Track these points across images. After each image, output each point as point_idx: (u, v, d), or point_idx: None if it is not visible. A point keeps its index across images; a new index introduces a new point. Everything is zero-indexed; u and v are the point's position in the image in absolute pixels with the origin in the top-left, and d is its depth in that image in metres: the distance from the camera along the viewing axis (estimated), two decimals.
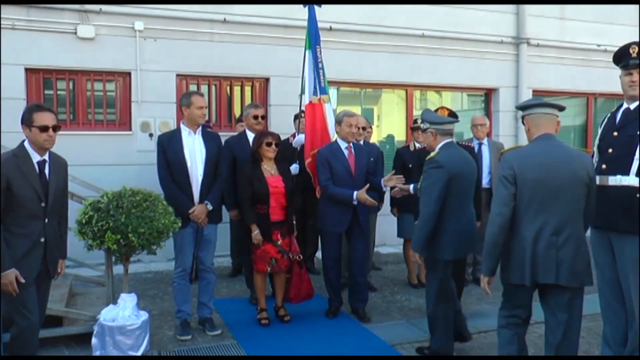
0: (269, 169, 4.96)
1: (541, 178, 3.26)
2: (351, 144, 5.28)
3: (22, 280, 3.36)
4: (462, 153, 4.29)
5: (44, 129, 3.49)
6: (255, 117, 5.48)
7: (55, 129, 3.56)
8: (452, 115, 4.79)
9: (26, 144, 3.55)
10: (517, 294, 3.47)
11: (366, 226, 5.26)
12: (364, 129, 5.92)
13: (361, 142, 5.75)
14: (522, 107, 3.52)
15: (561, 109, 3.44)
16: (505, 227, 3.34)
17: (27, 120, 3.51)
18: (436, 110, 4.93)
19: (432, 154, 4.15)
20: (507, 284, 3.49)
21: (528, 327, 4.88)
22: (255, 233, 4.82)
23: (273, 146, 4.92)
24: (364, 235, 5.26)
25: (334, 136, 5.48)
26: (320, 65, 5.78)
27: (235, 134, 6.06)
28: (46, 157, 3.60)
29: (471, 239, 4.29)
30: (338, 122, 5.28)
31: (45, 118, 3.52)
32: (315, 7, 5.89)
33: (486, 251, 3.42)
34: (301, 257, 5.12)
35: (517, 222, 3.33)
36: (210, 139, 4.82)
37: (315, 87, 5.74)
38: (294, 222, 5.12)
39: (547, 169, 3.27)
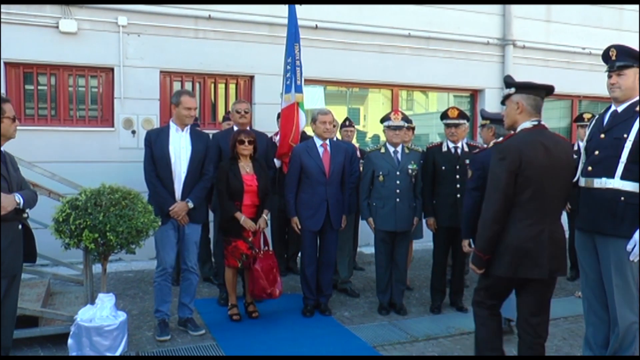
0: (245, 166, 5.00)
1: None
2: (327, 142, 5.27)
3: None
4: None
5: (14, 119, 3.40)
6: (238, 112, 5.45)
7: (15, 119, 3.48)
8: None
9: None
10: None
11: (337, 225, 5.28)
12: (334, 126, 5.90)
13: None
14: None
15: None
16: None
17: None
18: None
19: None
20: None
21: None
22: (244, 219, 4.88)
23: (246, 144, 4.94)
24: (334, 234, 5.32)
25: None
26: (298, 63, 5.78)
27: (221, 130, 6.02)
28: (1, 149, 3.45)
29: None
30: (313, 120, 5.32)
31: (12, 108, 3.42)
32: (296, 5, 5.95)
33: None
34: (261, 252, 5.03)
35: None
36: (198, 137, 4.77)
37: (293, 85, 5.79)
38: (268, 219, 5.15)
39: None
